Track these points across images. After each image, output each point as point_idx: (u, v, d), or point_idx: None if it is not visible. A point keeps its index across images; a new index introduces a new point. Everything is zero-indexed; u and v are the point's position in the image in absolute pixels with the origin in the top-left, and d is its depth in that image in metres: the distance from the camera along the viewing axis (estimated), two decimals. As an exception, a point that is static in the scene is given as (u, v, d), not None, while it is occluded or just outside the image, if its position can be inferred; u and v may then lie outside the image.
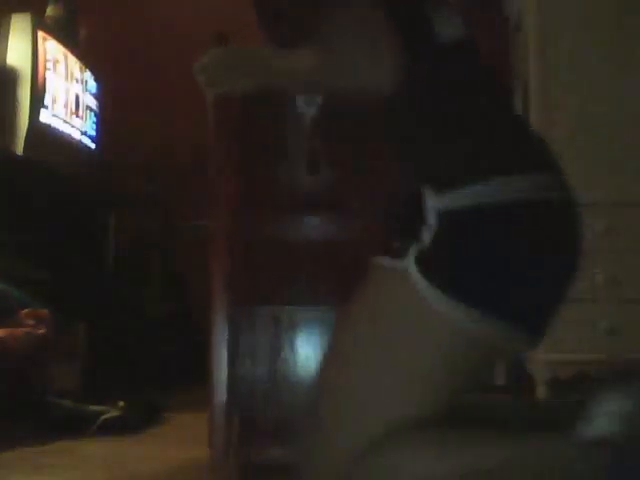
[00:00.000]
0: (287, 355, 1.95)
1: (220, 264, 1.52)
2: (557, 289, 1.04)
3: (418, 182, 1.02)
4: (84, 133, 3.60)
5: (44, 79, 3.16)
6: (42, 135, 3.17)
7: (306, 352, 1.96)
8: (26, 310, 2.69)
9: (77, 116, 3.52)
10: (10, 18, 3.10)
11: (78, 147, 3.56)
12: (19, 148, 3.05)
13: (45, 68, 3.16)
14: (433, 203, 0.99)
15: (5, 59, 3.08)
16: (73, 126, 3.47)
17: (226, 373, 1.50)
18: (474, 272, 0.99)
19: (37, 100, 3.11)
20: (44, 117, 3.17)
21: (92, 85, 3.70)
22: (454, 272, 0.99)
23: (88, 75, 3.64)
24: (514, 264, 1.00)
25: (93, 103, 3.71)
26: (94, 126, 3.72)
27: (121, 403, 2.57)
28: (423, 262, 0.98)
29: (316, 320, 1.97)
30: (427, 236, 0.99)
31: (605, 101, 2.73)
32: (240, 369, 1.82)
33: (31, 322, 2.65)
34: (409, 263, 0.99)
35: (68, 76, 3.41)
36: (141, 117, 4.07)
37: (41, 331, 2.63)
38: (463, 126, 1.05)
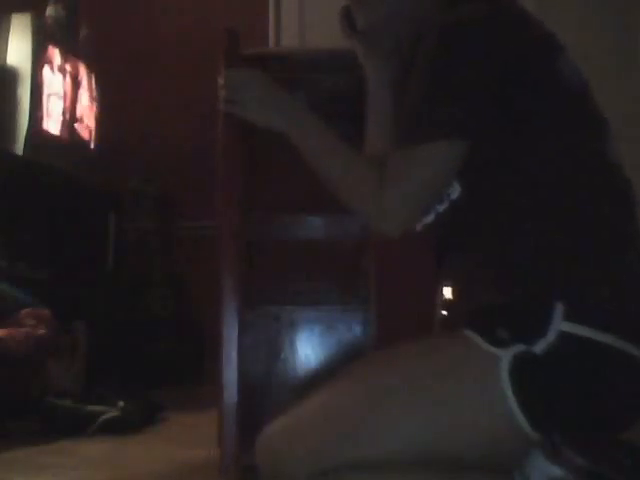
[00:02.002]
0: (287, 355, 1.95)
1: (230, 264, 1.52)
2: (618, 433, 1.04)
3: (550, 294, 0.99)
4: (84, 133, 3.60)
5: (44, 79, 3.16)
6: (42, 135, 3.17)
7: (306, 352, 1.96)
8: (26, 310, 2.68)
9: (77, 116, 3.52)
10: (10, 18, 3.11)
11: (78, 147, 3.56)
12: (19, 148, 3.05)
13: (45, 68, 3.17)
14: (562, 323, 0.96)
15: (5, 59, 3.08)
16: (73, 126, 3.47)
17: (237, 374, 1.50)
18: (563, 404, 0.98)
19: (37, 100, 3.11)
20: (44, 117, 3.17)
21: (92, 85, 3.70)
22: (547, 396, 0.97)
23: (88, 75, 3.64)
24: (597, 413, 1.00)
25: (93, 103, 3.71)
26: (94, 126, 3.71)
27: (121, 403, 2.57)
28: (522, 365, 0.97)
29: (316, 320, 1.96)
30: (540, 347, 0.96)
31: (605, 101, 2.72)
32: (240, 369, 1.81)
33: (31, 322, 2.65)
34: (505, 355, 0.97)
35: (68, 76, 3.41)
36: (141, 117, 4.07)
37: (41, 331, 2.63)
38: (611, 254, 1.04)
